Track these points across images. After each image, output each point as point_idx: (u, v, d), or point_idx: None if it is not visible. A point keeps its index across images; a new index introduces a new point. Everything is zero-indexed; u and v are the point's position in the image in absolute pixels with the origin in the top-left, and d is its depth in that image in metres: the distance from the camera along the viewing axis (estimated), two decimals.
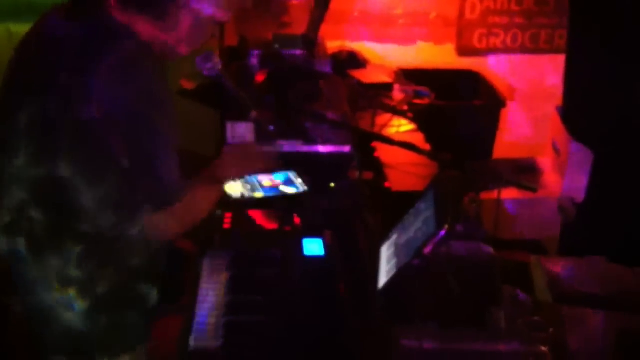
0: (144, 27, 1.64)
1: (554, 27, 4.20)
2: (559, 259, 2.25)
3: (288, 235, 1.99)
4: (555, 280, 2.02)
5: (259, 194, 2.17)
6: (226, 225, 2.05)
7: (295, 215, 2.07)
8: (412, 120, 2.92)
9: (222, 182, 1.91)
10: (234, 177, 2.00)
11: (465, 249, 1.67)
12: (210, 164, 1.91)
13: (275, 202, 2.12)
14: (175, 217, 1.67)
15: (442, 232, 1.57)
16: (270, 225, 2.06)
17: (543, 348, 1.52)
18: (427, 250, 1.57)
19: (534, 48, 4.27)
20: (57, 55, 1.60)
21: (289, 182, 2.24)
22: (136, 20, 1.63)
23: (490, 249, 1.72)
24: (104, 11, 1.63)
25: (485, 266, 1.65)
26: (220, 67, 2.02)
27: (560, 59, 3.38)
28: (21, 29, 1.78)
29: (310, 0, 3.48)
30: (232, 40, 3.44)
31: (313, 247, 1.93)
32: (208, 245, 1.95)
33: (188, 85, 2.59)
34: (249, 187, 2.19)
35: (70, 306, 1.69)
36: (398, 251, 1.71)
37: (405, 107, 3.09)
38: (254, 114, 2.27)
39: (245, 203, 2.13)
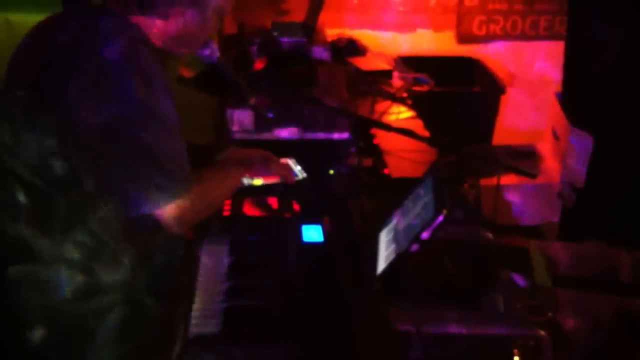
0: (150, 26, 1.64)
1: (554, 13, 4.19)
2: (558, 244, 2.25)
3: (287, 222, 1.99)
4: (554, 264, 2.02)
5: (258, 181, 2.17)
6: (225, 213, 2.04)
7: (294, 201, 2.07)
8: (412, 107, 2.92)
9: (243, 169, 1.92)
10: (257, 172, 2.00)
11: (463, 233, 1.68)
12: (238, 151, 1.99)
13: (274, 189, 2.12)
14: (190, 205, 1.63)
15: (440, 218, 1.57)
16: (269, 212, 2.06)
17: (541, 332, 1.53)
18: (425, 235, 1.58)
19: (534, 35, 4.26)
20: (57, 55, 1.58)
21: None
22: (143, 20, 1.63)
23: (489, 234, 1.72)
24: (107, 10, 1.62)
25: (482, 250, 1.65)
26: (218, 54, 2.02)
27: (560, 46, 3.37)
28: (20, 18, 1.74)
29: None
30: (231, 28, 3.43)
31: (312, 233, 1.93)
32: (206, 231, 1.95)
33: (187, 73, 2.59)
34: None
35: None
36: (397, 237, 1.71)
37: (405, 94, 3.09)
38: (252, 100, 2.28)
39: (244, 190, 2.13)
